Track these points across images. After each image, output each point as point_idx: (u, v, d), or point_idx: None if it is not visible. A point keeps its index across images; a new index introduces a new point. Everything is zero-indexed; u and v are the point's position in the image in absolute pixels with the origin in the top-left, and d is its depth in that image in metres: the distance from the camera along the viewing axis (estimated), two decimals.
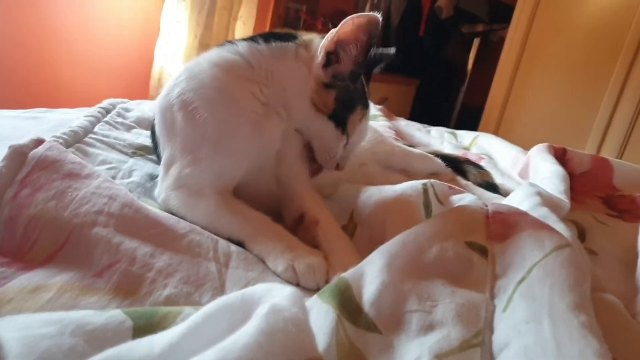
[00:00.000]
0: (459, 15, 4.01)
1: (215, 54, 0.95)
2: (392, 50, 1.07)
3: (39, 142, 0.77)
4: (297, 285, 0.74)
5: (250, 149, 0.90)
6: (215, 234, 0.80)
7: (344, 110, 0.93)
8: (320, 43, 0.93)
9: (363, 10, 4.19)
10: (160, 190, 0.89)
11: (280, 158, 0.96)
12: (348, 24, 0.87)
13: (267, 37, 0.96)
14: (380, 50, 1.06)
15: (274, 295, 0.45)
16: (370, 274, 0.62)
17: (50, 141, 0.80)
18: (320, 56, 0.92)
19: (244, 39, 0.96)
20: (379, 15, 0.84)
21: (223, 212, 0.84)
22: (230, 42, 0.97)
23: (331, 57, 0.92)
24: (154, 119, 0.99)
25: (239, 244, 0.80)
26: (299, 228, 0.89)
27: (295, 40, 0.95)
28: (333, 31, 0.89)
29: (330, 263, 0.78)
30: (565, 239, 0.69)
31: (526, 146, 1.61)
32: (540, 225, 0.72)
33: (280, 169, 0.96)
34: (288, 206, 0.95)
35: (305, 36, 0.97)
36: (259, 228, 0.83)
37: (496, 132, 3.17)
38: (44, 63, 2.61)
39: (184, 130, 0.88)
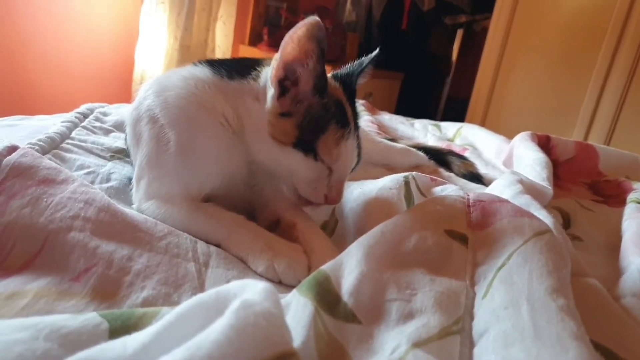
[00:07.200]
0: (441, 7, 4.02)
1: (186, 71, 0.93)
2: (374, 53, 0.96)
3: (12, 149, 0.77)
4: (279, 282, 0.74)
5: (215, 170, 0.89)
6: None
7: (310, 133, 0.84)
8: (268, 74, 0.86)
9: (344, 6, 4.20)
10: (134, 200, 0.90)
11: (253, 168, 0.93)
12: (288, 42, 0.80)
13: (231, 70, 0.91)
14: (360, 61, 0.96)
15: (248, 292, 0.45)
16: (349, 265, 0.61)
17: (24, 148, 0.79)
18: (272, 89, 0.85)
19: (213, 68, 0.92)
20: (316, 17, 0.77)
21: (196, 217, 0.84)
22: (201, 64, 0.94)
23: (286, 82, 0.85)
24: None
25: (217, 246, 0.80)
26: (276, 232, 0.87)
27: (253, 74, 0.90)
28: (276, 56, 0.83)
29: (311, 263, 0.78)
30: (545, 225, 0.69)
31: (514, 136, 1.61)
32: (520, 213, 0.73)
33: (253, 177, 0.94)
34: (262, 212, 0.94)
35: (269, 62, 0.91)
36: (234, 228, 0.83)
37: (483, 123, 3.18)
38: (18, 69, 2.57)
39: (149, 145, 0.88)
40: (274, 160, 0.87)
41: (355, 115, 0.94)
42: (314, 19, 0.76)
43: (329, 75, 0.92)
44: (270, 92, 0.86)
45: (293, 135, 0.84)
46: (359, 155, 0.92)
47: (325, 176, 0.86)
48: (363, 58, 0.96)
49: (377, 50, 0.95)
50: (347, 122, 0.87)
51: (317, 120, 0.84)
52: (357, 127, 0.93)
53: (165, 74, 0.97)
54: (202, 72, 0.91)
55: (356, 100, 0.97)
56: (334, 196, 0.87)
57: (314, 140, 0.84)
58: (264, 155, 0.88)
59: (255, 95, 0.88)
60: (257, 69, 0.91)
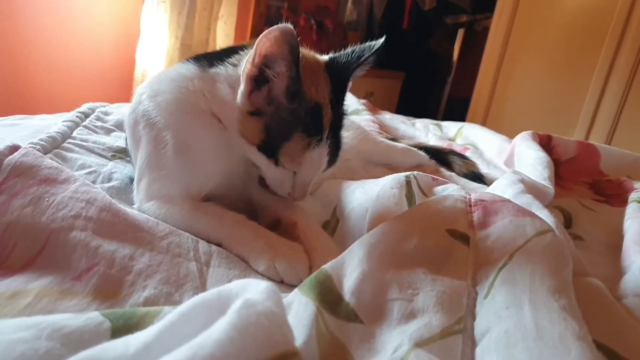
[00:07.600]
0: (442, 6, 4.02)
1: (175, 72, 0.92)
2: (377, 46, 0.88)
3: (14, 148, 0.77)
4: (281, 282, 0.74)
5: (213, 169, 0.89)
6: None
7: (275, 139, 0.81)
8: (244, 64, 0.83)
9: (345, 5, 4.19)
10: (135, 201, 0.90)
11: (249, 164, 0.92)
12: (264, 40, 0.76)
13: (213, 59, 0.90)
14: (361, 47, 0.89)
15: (250, 291, 0.45)
16: (351, 264, 0.62)
17: (26, 147, 0.79)
18: (243, 85, 0.82)
19: (197, 62, 0.91)
20: (290, 25, 0.73)
21: (197, 217, 0.84)
22: (189, 60, 0.93)
23: (260, 78, 0.81)
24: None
25: (219, 245, 0.80)
26: (277, 231, 0.86)
27: (234, 59, 0.88)
28: (252, 52, 0.79)
29: (313, 262, 0.78)
30: (546, 224, 0.69)
31: (515, 136, 1.60)
32: (522, 212, 0.72)
33: (251, 175, 0.94)
34: (263, 212, 0.93)
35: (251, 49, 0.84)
36: (235, 228, 0.83)
37: (484, 122, 3.18)
38: (20, 69, 2.56)
39: (148, 148, 0.88)
40: (245, 153, 0.86)
41: (340, 116, 0.89)
42: (286, 25, 0.74)
43: (326, 57, 0.91)
44: (241, 87, 0.82)
45: (259, 137, 0.82)
46: (334, 157, 0.89)
47: (290, 177, 0.85)
48: (363, 47, 0.89)
49: (382, 41, 0.89)
50: (318, 130, 0.83)
51: (282, 126, 0.81)
52: (336, 128, 0.88)
53: (156, 76, 0.97)
54: (188, 69, 0.91)
55: (346, 95, 0.92)
56: (296, 196, 0.87)
57: (277, 147, 0.81)
58: (237, 145, 0.86)
59: (232, 82, 0.85)
60: (240, 52, 0.89)
